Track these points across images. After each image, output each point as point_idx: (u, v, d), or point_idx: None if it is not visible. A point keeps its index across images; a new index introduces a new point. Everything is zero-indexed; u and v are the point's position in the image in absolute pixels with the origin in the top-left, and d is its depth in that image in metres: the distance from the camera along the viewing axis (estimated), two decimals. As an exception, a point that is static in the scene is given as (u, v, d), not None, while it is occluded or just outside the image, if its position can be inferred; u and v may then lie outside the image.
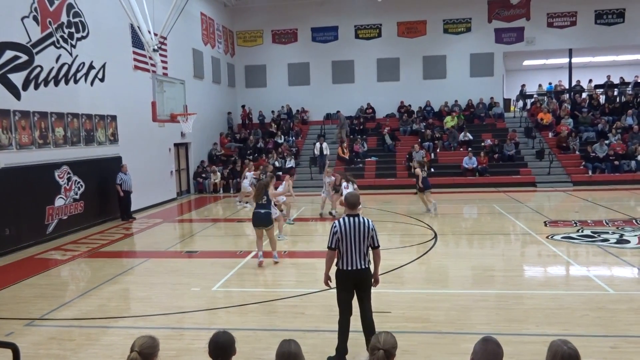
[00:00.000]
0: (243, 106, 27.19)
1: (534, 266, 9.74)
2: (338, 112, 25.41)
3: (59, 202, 13.04)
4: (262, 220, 9.64)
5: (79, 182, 13.83)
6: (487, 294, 7.80)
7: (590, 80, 26.38)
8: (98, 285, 8.84)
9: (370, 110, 26.57)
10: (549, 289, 7.98)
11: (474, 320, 6.68)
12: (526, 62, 30.72)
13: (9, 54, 11.54)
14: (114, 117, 15.78)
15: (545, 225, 12.80)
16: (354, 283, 5.41)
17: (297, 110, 27.05)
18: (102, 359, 5.87)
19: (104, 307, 7.76)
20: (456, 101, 25.85)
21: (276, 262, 9.77)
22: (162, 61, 14.83)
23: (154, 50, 14.02)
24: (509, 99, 28.69)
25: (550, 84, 27.59)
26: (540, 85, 27.53)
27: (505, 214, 14.62)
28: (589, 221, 12.99)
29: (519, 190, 19.46)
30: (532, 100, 26.27)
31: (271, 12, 26.92)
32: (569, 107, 24.34)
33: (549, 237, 11.31)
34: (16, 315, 7.39)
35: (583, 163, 21.05)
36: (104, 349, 6.18)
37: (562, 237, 11.27)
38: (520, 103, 26.68)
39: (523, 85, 26.89)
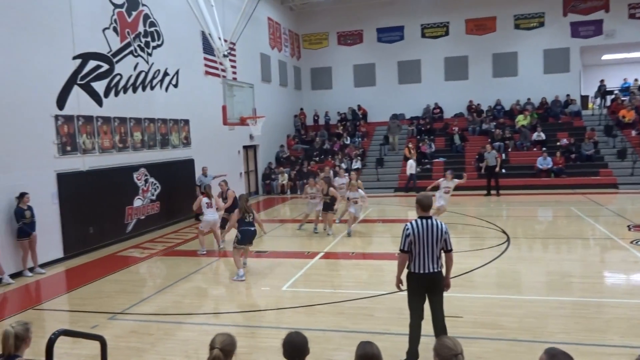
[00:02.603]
0: (301, 109, 27.46)
1: (617, 273, 9.17)
2: (393, 118, 25.18)
3: (137, 202, 13.75)
4: (253, 238, 9.46)
5: (155, 184, 14.51)
6: (565, 301, 7.44)
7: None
8: (173, 282, 9.22)
9: (438, 110, 26.07)
10: (633, 298, 7.50)
11: (551, 328, 6.38)
12: (605, 57, 28.97)
13: (92, 63, 12.29)
14: (186, 121, 16.43)
15: (629, 229, 12.02)
16: (425, 287, 5.32)
17: (358, 107, 26.94)
18: (178, 353, 6.12)
19: (179, 304, 8.09)
20: (529, 99, 24.83)
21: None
22: (232, 66, 15.30)
23: (224, 55, 14.46)
24: (587, 96, 27.17)
25: (625, 80, 25.82)
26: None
27: (583, 217, 13.87)
28: (678, 225, 12.08)
29: (599, 192, 18.40)
30: (613, 96, 24.73)
31: (336, 14, 27.05)
32: (654, 103, 22.74)
33: (634, 243, 10.61)
34: (100, 309, 7.85)
35: (670, 163, 19.58)
36: (180, 344, 6.44)
37: (647, 242, 10.56)
38: (599, 100, 25.21)
39: (602, 81, 25.39)
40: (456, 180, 13.38)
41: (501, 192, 19.04)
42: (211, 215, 11.44)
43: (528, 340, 6.00)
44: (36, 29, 10.68)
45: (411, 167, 20.38)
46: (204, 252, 11.38)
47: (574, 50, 24.73)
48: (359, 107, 26.91)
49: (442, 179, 13.57)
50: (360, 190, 12.91)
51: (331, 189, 13.04)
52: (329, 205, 12.98)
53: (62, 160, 11.33)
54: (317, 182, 13.38)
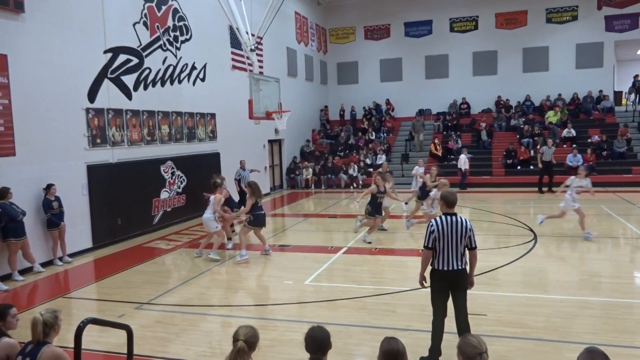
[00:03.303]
0: (326, 106, 27.42)
1: (648, 274, 8.94)
2: (419, 113, 25.34)
3: (164, 195, 13.96)
4: (265, 220, 10.45)
5: (181, 177, 14.70)
6: (593, 301, 7.28)
7: None
8: (198, 274, 9.35)
9: (465, 106, 25.71)
10: (666, 300, 7.29)
11: (578, 328, 6.26)
12: (641, 51, 28.20)
13: (122, 57, 12.50)
14: (213, 115, 16.58)
15: (662, 229, 11.67)
16: (449, 284, 5.27)
17: (386, 102, 26.77)
18: (203, 344, 6.21)
19: (203, 295, 8.20)
20: (560, 95, 24.29)
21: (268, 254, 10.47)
22: (259, 60, 15.31)
23: (251, 50, 14.51)
24: (620, 92, 26.43)
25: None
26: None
27: (614, 216, 13.53)
28: None
29: (631, 191, 17.90)
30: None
31: (364, 9, 26.90)
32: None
33: (667, 243, 10.31)
34: (127, 298, 8.02)
35: None
36: (204, 335, 6.54)
37: (682, 243, 10.24)
38: (633, 96, 24.48)
39: (636, 76, 24.64)
40: (589, 179, 11.49)
41: (528, 189, 18.74)
42: (204, 214, 10.61)
43: (554, 340, 5.89)
44: (68, 23, 10.90)
45: (463, 162, 19.93)
46: (216, 258, 10.27)
47: (608, 44, 24.06)
48: (387, 102, 26.76)
49: (572, 176, 11.66)
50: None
51: (387, 188, 11.91)
52: (379, 206, 11.69)
53: (92, 152, 11.57)
54: (377, 179, 11.74)
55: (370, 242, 11.32)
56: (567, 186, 11.43)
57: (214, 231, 10.49)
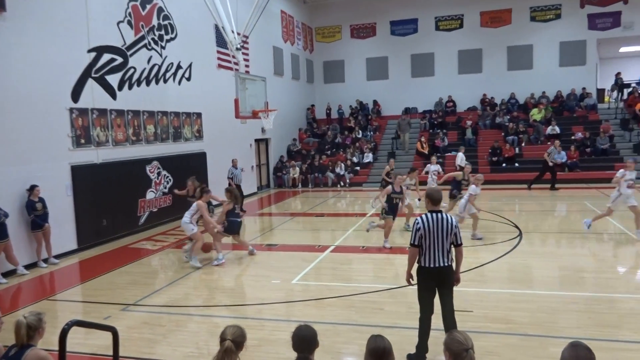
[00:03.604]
0: (312, 105, 27.42)
1: (631, 268, 9.07)
2: (405, 112, 25.68)
3: (149, 195, 13.86)
4: (239, 228, 10.47)
5: (167, 177, 14.60)
6: (577, 296, 7.36)
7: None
8: (185, 275, 9.30)
9: (451, 104, 25.87)
10: (648, 294, 7.41)
11: (562, 323, 6.34)
12: (623, 49, 28.53)
13: (106, 56, 12.37)
14: (199, 115, 16.49)
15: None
16: (436, 281, 5.30)
17: (374, 102, 26.88)
18: (189, 345, 6.18)
19: (190, 296, 8.17)
20: (544, 92, 24.54)
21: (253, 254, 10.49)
22: (244, 59, 15.26)
23: (237, 49, 14.43)
24: (603, 89, 26.77)
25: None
26: None
27: (597, 212, 13.66)
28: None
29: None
30: (630, 89, 24.33)
31: (350, 7, 26.92)
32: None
33: (649, 238, 10.46)
34: (113, 300, 7.95)
35: (688, 157, 19.22)
36: (191, 336, 6.51)
37: (663, 238, 10.39)
38: (616, 93, 24.82)
39: (618, 74, 24.98)
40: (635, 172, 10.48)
41: (514, 186, 18.96)
42: (183, 217, 10.26)
43: (539, 335, 5.96)
44: (51, 22, 10.76)
45: (460, 159, 19.85)
46: (197, 265, 9.80)
47: (591, 42, 24.35)
48: (375, 103, 26.82)
49: (621, 170, 10.78)
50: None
51: (403, 187, 11.33)
52: (396, 208, 10.88)
53: (76, 153, 11.45)
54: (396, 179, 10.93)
55: (390, 247, 10.57)
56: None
57: (190, 234, 10.18)
